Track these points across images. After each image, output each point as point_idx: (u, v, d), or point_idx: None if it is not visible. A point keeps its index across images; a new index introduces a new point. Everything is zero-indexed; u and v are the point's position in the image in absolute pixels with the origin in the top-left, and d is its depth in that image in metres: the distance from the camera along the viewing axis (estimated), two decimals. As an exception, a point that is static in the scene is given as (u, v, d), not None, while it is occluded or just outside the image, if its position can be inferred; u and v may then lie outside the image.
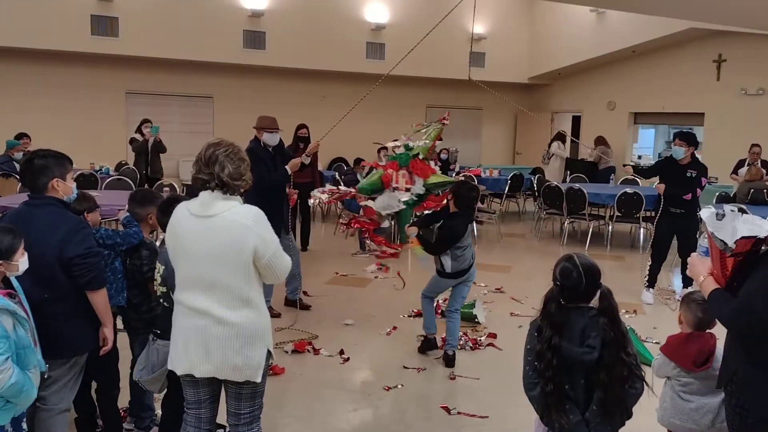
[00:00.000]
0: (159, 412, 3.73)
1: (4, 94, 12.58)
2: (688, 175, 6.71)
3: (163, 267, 3.21)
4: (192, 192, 2.89)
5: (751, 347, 2.35)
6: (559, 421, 2.50)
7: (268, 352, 2.83)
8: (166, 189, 8.33)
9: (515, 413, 4.20)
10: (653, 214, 9.41)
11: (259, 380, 2.80)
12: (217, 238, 2.70)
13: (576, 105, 16.25)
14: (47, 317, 2.96)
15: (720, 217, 2.36)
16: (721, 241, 2.34)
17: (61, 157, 3.16)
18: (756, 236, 2.27)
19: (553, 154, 14.52)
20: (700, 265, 2.52)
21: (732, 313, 2.32)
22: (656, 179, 7.19)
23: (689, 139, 6.85)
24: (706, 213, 2.41)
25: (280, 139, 6.00)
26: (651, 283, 6.96)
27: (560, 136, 14.70)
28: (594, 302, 2.60)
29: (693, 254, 2.65)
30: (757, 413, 2.35)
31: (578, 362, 2.49)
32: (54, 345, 3.00)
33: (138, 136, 10.71)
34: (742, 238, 2.28)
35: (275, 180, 5.78)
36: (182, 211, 2.83)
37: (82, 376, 3.30)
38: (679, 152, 6.79)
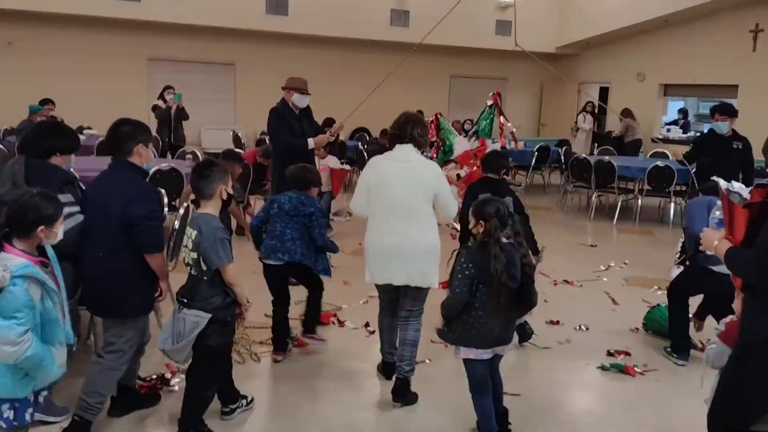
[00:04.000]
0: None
1: (26, 59, 12.54)
2: (735, 146, 6.50)
3: (196, 232, 3.14)
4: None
5: None
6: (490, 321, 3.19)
7: None
8: (189, 156, 8.24)
9: (548, 390, 4.11)
10: (684, 188, 9.24)
11: (436, 286, 3.76)
12: (414, 178, 3.71)
13: (604, 76, 15.87)
14: (104, 276, 3.16)
15: (733, 187, 2.53)
16: (736, 193, 2.48)
17: (145, 126, 3.38)
18: None
19: (579, 128, 14.23)
20: (712, 233, 2.63)
21: (749, 259, 2.36)
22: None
23: (730, 111, 6.62)
24: (720, 180, 2.58)
25: (308, 105, 5.88)
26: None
27: (584, 109, 14.38)
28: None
29: (705, 228, 2.73)
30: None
31: (513, 279, 3.16)
32: (111, 305, 3.22)
33: (161, 103, 10.62)
34: (757, 186, 2.45)
35: (301, 145, 5.66)
36: (382, 158, 3.87)
37: (139, 340, 3.40)
38: (723, 127, 6.58)
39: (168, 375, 3.97)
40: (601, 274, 6.77)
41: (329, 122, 8.59)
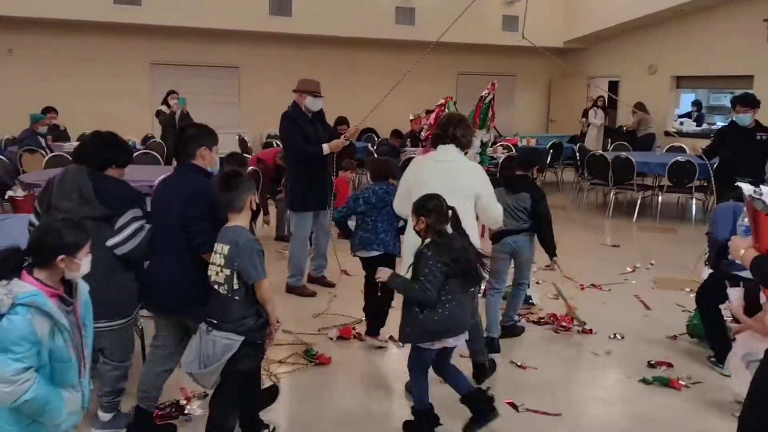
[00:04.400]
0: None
1: (27, 66, 12.30)
2: (759, 138, 6.23)
3: (229, 246, 2.95)
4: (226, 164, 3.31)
5: None
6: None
7: None
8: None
9: (591, 409, 3.84)
10: (706, 183, 8.96)
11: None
12: (455, 178, 3.68)
13: (614, 69, 15.57)
14: (168, 276, 3.20)
15: (758, 193, 2.42)
16: (760, 200, 2.40)
17: (211, 131, 3.41)
18: None
19: (590, 123, 13.95)
20: (739, 241, 2.51)
21: None
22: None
23: (752, 102, 6.35)
24: (744, 185, 2.47)
25: (321, 108, 5.63)
26: None
27: (595, 104, 14.10)
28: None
29: (733, 236, 2.64)
30: None
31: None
32: (174, 304, 3.24)
33: (164, 108, 10.39)
34: None
35: (315, 152, 5.41)
36: (424, 158, 3.99)
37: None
38: (746, 119, 6.32)
39: (183, 401, 3.72)
40: (628, 277, 6.50)
41: (341, 121, 8.32)
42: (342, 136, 5.72)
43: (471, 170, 3.81)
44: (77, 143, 3.55)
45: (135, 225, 3.19)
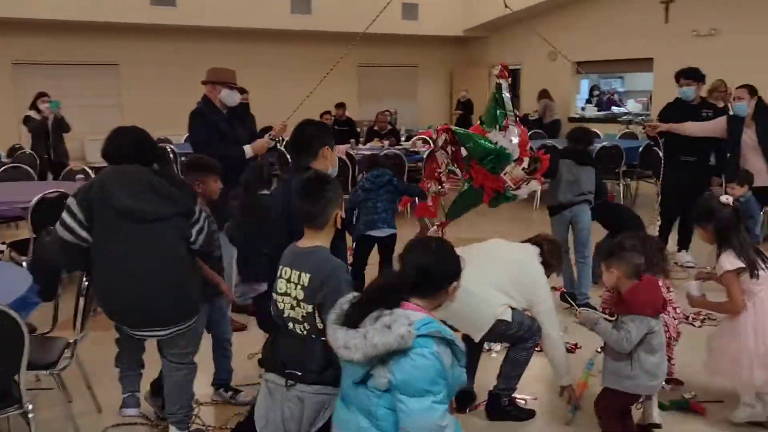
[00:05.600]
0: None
1: None
2: (705, 115, 5.89)
3: (310, 275, 2.34)
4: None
5: None
6: None
7: None
8: (80, 177, 6.77)
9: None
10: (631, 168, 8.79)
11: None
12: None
13: (515, 58, 15.36)
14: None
15: None
16: None
17: (328, 127, 3.41)
18: None
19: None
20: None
21: None
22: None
23: (696, 75, 5.98)
24: None
25: (240, 103, 4.73)
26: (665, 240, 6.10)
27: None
28: None
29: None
30: None
31: None
32: None
33: (34, 114, 8.99)
34: None
35: (236, 155, 4.51)
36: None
37: None
38: (689, 92, 5.94)
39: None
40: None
41: (268, 130, 7.33)
42: (266, 135, 4.84)
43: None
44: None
45: (204, 215, 2.98)
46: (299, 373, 2.35)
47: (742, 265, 3.16)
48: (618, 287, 2.97)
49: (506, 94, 3.91)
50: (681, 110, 6.05)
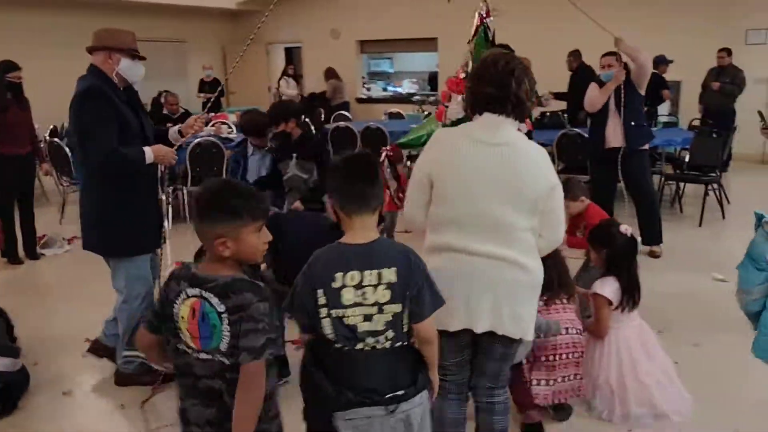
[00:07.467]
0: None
1: None
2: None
3: (395, 268, 1.94)
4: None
5: None
6: None
7: None
8: None
9: None
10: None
11: (531, 338, 2.48)
12: (508, 171, 2.26)
13: (295, 35, 14.52)
14: None
15: None
16: None
17: None
18: None
19: (282, 94, 12.73)
20: None
21: None
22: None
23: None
24: None
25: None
26: None
27: (285, 73, 13.03)
28: None
29: None
30: None
31: None
32: None
33: None
34: None
35: (136, 160, 3.15)
36: (457, 137, 2.34)
37: None
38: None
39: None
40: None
41: (14, 74, 5.62)
42: (174, 132, 3.46)
43: (538, 160, 2.32)
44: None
45: None
46: (401, 393, 1.99)
47: (616, 300, 3.14)
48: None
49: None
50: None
